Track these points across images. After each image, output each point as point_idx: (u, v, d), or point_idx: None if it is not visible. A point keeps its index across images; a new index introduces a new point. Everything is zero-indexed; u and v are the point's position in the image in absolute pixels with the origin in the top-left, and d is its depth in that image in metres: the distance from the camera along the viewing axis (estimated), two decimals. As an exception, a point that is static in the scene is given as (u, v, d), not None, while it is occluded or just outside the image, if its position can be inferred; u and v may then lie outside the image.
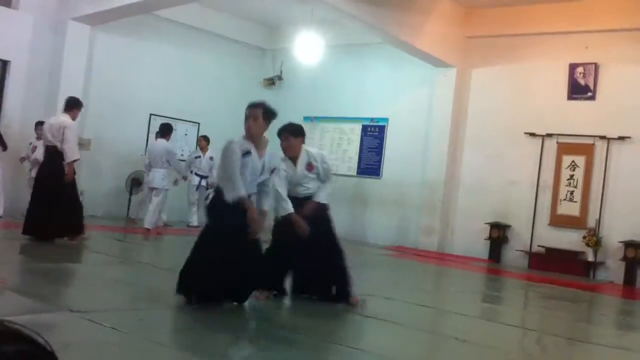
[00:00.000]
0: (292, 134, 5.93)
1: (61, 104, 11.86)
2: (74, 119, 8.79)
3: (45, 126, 8.76)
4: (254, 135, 5.35)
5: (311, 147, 6.31)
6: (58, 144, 8.40)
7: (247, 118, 5.37)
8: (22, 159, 11.44)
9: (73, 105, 8.88)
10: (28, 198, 8.89)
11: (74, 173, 8.64)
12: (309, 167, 5.97)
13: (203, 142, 13.22)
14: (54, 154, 8.46)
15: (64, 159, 8.42)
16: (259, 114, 5.33)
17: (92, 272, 7.16)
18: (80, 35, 12.27)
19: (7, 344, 0.62)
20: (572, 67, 11.99)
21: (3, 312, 4.24)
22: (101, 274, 6.84)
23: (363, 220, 14.23)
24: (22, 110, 11.68)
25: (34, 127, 11.24)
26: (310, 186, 6.01)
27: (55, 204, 8.26)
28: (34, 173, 10.64)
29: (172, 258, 7.62)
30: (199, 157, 13.09)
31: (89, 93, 12.59)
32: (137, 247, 10.29)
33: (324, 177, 6.08)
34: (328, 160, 6.28)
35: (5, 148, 11.02)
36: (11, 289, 5.42)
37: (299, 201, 5.97)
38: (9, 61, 11.84)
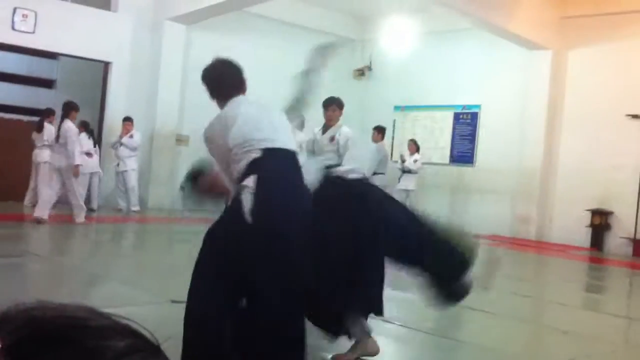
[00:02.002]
0: (339, 106, 5.96)
1: (161, 101, 12.50)
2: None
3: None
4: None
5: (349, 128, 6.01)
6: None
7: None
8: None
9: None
10: None
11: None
12: (332, 138, 5.90)
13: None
14: None
15: None
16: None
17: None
18: (177, 35, 12.70)
19: (116, 339, 0.63)
20: (677, 44, 11.40)
21: (107, 303, 4.47)
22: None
23: (458, 209, 14.05)
24: (125, 109, 12.20)
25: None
26: (330, 157, 5.96)
27: None
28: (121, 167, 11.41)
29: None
30: None
31: (186, 91, 13.02)
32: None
33: (342, 151, 5.96)
34: (352, 142, 6.03)
35: (95, 144, 11.56)
36: (113, 280, 5.72)
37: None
38: (110, 62, 12.40)
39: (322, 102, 5.49)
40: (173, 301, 4.78)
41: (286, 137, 3.32)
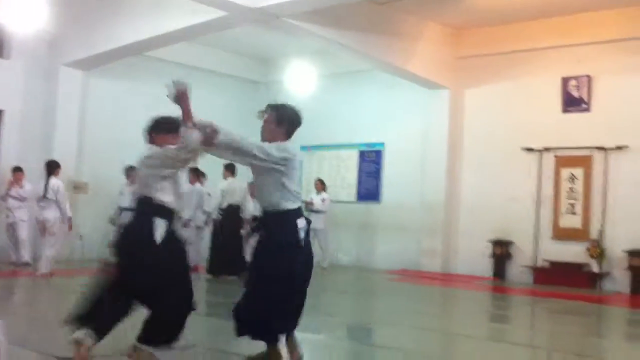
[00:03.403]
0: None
1: (57, 149, 12.03)
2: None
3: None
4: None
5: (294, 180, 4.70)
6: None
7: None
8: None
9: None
10: None
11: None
12: None
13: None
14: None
15: None
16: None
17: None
18: (73, 80, 12.36)
19: None
20: (565, 80, 12.02)
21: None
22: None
23: (366, 246, 14.18)
24: (18, 157, 11.68)
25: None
26: None
27: None
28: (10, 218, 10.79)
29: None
30: None
31: (84, 137, 12.64)
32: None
33: None
34: None
35: None
36: None
37: None
38: (3, 110, 11.91)
39: None
40: (58, 358, 4.53)
41: None
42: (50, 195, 9.72)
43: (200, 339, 5.65)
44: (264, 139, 4.59)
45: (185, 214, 10.36)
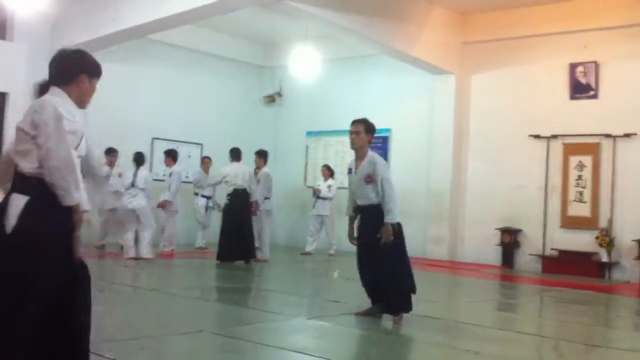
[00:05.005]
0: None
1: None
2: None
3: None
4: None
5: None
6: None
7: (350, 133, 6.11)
8: None
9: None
10: None
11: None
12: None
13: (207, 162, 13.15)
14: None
15: None
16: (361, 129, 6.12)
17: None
18: (76, 63, 12.23)
19: None
20: (572, 66, 11.87)
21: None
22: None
23: (371, 233, 14.07)
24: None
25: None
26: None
27: None
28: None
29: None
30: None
31: (89, 121, 12.44)
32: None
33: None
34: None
35: None
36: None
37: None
38: (7, 93, 11.83)
39: None
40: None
41: None
42: (139, 184, 10.78)
43: (209, 325, 5.58)
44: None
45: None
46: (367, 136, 6.12)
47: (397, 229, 6.08)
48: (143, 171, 11.06)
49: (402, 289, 6.02)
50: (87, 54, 3.43)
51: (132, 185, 10.89)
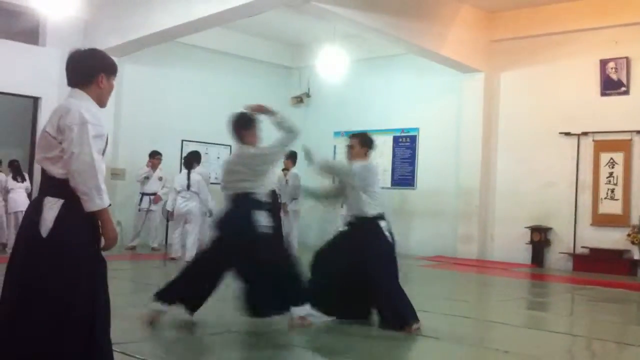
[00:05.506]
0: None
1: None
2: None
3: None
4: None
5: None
6: None
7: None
8: None
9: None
10: None
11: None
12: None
13: None
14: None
15: None
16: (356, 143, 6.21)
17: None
18: (108, 67, 12.43)
19: None
20: (603, 63, 11.74)
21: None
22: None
23: (401, 232, 14.01)
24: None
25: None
26: None
27: None
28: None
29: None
30: None
31: (120, 123, 12.74)
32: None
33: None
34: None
35: (23, 180, 11.52)
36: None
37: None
38: (40, 97, 12.07)
39: None
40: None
41: None
42: (193, 187, 10.59)
43: (237, 324, 5.66)
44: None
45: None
46: (362, 149, 6.18)
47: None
48: (195, 175, 10.74)
49: (403, 298, 5.82)
50: (102, 52, 3.43)
51: (188, 188, 10.62)
